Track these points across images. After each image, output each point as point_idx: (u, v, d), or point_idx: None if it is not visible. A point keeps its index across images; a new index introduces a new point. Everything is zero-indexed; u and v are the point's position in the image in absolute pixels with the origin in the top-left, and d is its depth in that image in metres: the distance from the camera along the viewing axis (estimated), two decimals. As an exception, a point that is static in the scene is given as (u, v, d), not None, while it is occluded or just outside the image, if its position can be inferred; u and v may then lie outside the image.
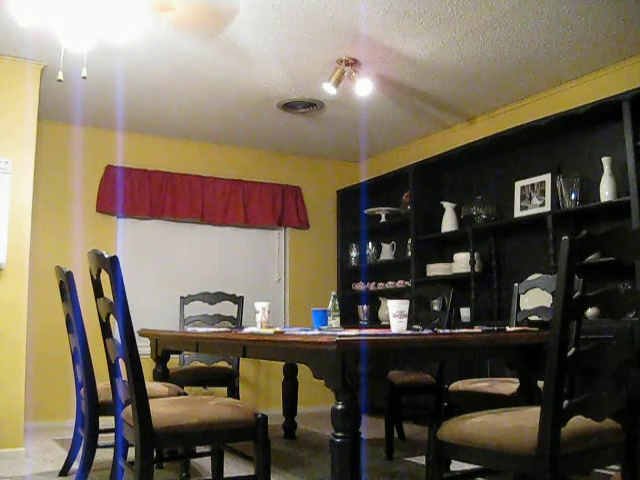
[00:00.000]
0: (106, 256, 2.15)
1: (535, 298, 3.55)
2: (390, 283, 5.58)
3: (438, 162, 5.18)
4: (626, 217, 3.64)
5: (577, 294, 1.66)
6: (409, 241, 5.39)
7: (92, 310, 2.58)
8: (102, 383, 2.98)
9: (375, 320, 5.68)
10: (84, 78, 3.28)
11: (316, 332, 2.51)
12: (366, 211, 5.88)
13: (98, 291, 2.43)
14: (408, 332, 2.45)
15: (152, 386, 2.97)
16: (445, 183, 5.45)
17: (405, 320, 2.50)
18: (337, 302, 3.38)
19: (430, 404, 3.93)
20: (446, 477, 2.09)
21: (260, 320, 3.34)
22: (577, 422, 1.72)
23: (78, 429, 3.21)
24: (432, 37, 3.71)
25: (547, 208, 4.32)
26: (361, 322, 5.59)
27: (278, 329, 2.78)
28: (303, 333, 2.41)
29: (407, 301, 2.55)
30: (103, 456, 3.21)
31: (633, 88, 3.68)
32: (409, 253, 5.39)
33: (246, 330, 3.04)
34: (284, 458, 3.75)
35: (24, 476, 3.22)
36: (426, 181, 5.35)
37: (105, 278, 2.22)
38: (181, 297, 4.86)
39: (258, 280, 5.87)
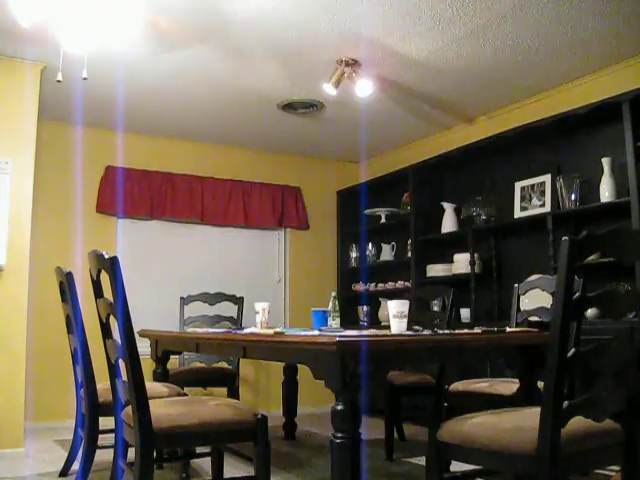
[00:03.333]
0: (106, 256, 2.14)
1: (535, 299, 3.54)
2: (390, 284, 5.58)
3: (438, 163, 5.18)
4: (626, 217, 3.64)
5: (577, 295, 1.65)
6: (409, 242, 5.39)
7: (92, 310, 2.58)
8: (102, 384, 2.98)
9: (375, 321, 5.68)
10: (84, 79, 3.28)
11: (316, 333, 2.51)
12: (366, 212, 5.88)
13: (98, 291, 2.43)
14: (408, 333, 2.45)
15: (152, 386, 2.97)
16: (445, 184, 5.45)
17: (405, 321, 2.50)
18: (337, 303, 3.38)
19: (430, 405, 3.92)
20: (446, 478, 2.09)
21: (260, 320, 3.34)
22: (577, 423, 1.72)
23: (78, 429, 3.21)
24: (432, 37, 3.71)
25: (547, 209, 4.32)
26: (361, 323, 5.58)
27: (278, 329, 2.78)
28: (303, 334, 2.41)
29: (407, 302, 2.55)
30: (103, 457, 3.21)
31: (633, 89, 3.67)
32: (409, 254, 5.39)
33: (246, 331, 3.04)
34: (284, 459, 3.75)
35: (24, 476, 3.22)
36: (426, 182, 5.35)
37: (105, 278, 2.22)
38: (181, 298, 4.86)
39: (258, 281, 5.87)
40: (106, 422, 2.86)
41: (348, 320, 5.45)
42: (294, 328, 3.25)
